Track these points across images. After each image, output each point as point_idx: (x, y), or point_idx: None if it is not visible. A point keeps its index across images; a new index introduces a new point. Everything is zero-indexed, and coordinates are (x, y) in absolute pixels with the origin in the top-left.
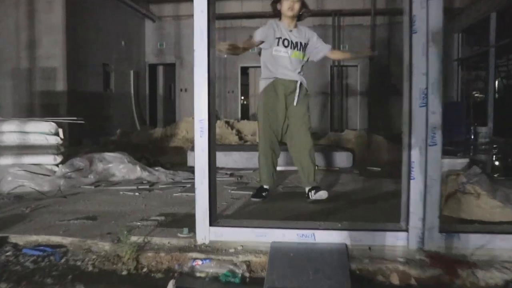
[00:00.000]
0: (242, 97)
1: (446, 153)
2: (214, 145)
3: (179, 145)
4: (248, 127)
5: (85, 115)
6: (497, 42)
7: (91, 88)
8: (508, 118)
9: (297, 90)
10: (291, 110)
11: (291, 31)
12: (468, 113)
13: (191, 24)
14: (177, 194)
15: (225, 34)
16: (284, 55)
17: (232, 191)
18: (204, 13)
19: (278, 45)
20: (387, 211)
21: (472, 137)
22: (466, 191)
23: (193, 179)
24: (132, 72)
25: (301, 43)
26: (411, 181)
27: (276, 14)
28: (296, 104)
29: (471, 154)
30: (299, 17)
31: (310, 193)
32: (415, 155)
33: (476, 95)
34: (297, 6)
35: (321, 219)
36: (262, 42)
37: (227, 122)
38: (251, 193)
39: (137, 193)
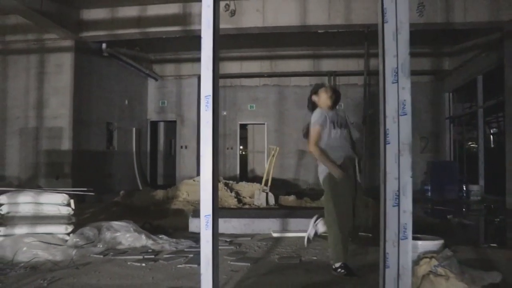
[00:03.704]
0: (241, 147)
1: (438, 213)
2: (217, 236)
3: (180, 208)
4: (247, 189)
5: (88, 173)
6: (486, 101)
7: (95, 146)
8: (500, 175)
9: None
10: None
11: (337, 115)
12: (462, 170)
13: (192, 83)
14: (181, 266)
15: (225, 92)
16: (337, 136)
17: (231, 262)
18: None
19: (334, 128)
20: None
21: (465, 195)
22: (437, 273)
23: (196, 248)
24: (134, 129)
25: (341, 122)
26: (386, 269)
27: (313, 107)
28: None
29: (461, 215)
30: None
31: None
32: (389, 247)
33: (472, 145)
34: (333, 94)
35: None
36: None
37: (226, 184)
38: (249, 264)
39: (143, 264)
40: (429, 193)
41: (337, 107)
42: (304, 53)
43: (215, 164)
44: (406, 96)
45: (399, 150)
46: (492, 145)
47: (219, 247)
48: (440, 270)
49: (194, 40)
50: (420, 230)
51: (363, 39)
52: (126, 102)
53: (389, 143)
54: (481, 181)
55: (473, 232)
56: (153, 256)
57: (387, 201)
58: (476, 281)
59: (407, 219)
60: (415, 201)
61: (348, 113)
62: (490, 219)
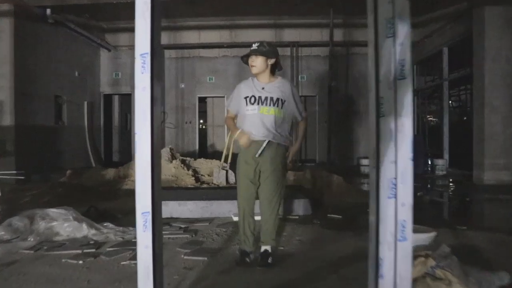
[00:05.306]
0: (201, 121)
1: None
2: (160, 238)
3: (132, 188)
4: (205, 166)
5: (35, 150)
6: (450, 74)
7: (42, 121)
8: (464, 149)
9: (263, 146)
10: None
11: (263, 88)
12: (425, 144)
13: None
14: (125, 262)
15: (182, 63)
16: (252, 113)
17: (185, 257)
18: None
19: (247, 104)
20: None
21: (430, 169)
22: (436, 276)
23: None
24: (86, 103)
25: (273, 98)
26: (379, 280)
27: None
28: (264, 160)
29: (431, 192)
30: (274, 69)
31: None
32: (384, 251)
33: (430, 119)
34: (259, 60)
35: None
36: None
37: (183, 162)
38: (205, 258)
39: (80, 261)
40: None
41: (276, 74)
42: (265, 22)
43: (155, 142)
44: (406, 54)
45: (396, 125)
46: (455, 119)
47: (172, 236)
48: (439, 272)
49: None
50: None
51: (328, 7)
52: (77, 73)
53: (383, 116)
54: (446, 155)
55: (446, 211)
56: (94, 250)
57: (380, 191)
58: (483, 285)
59: (407, 215)
60: None
61: (311, 85)
62: (460, 196)
